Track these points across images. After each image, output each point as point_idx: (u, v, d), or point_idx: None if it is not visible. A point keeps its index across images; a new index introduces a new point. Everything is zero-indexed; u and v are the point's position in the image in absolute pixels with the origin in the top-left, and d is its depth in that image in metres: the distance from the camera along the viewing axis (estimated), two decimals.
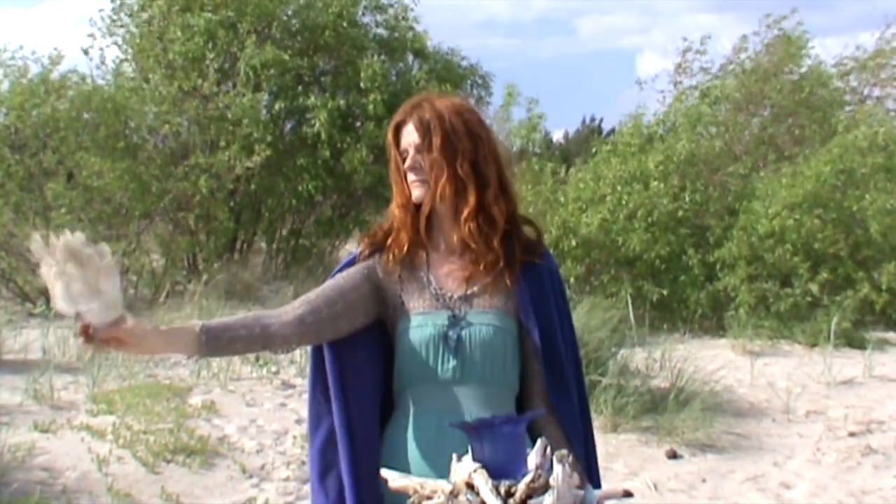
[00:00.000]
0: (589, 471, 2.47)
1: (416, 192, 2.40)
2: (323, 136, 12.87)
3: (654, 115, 13.55)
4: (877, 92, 15.06)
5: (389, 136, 2.44)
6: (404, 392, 2.41)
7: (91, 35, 13.37)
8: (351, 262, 2.50)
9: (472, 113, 2.44)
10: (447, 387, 2.36)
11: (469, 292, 2.41)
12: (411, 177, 2.40)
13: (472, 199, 2.38)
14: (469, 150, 2.38)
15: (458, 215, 2.40)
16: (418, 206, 2.41)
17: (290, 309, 2.39)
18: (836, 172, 11.45)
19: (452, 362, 2.36)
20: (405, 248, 2.42)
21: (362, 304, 2.43)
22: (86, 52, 13.14)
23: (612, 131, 13.96)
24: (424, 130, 2.37)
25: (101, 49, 13.30)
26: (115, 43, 13.79)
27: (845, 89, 14.64)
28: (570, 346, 2.48)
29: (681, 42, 14.17)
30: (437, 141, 2.36)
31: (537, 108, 13.35)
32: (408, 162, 2.40)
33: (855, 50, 14.85)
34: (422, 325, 2.38)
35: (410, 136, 2.40)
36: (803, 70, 14.01)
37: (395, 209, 2.45)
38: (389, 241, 2.45)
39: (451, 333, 2.36)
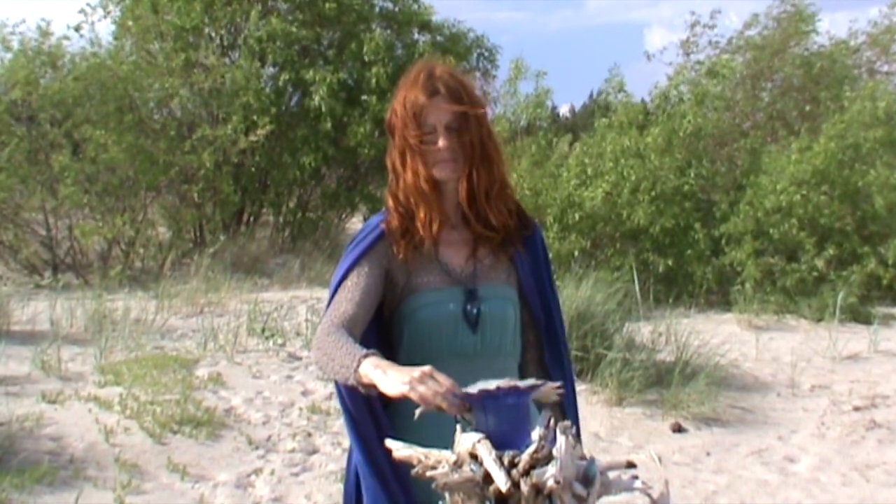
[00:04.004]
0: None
1: (443, 172, 2.35)
2: (324, 109, 12.84)
3: (655, 88, 13.46)
4: (886, 67, 14.97)
5: (407, 109, 2.33)
6: None
7: (82, 11, 13.20)
8: (372, 242, 2.40)
9: (475, 84, 2.44)
10: (465, 361, 2.35)
11: (476, 267, 2.41)
12: (440, 156, 2.33)
13: (495, 176, 2.40)
14: (486, 125, 2.39)
15: (476, 191, 2.38)
16: (433, 182, 2.36)
17: (347, 324, 2.26)
18: (843, 148, 11.42)
19: (473, 337, 2.37)
20: (433, 229, 2.37)
21: (379, 294, 2.38)
22: (77, 29, 12.94)
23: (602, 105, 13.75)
24: (459, 112, 2.32)
25: (93, 22, 13.12)
26: (108, 14, 13.61)
27: (856, 65, 14.52)
28: (558, 313, 2.55)
29: (689, 16, 13.97)
30: (471, 121, 2.33)
31: (544, 81, 13.24)
32: (441, 142, 2.32)
33: (867, 25, 14.74)
34: (438, 301, 2.37)
35: (442, 114, 2.32)
36: (812, 45, 13.92)
37: (414, 185, 2.36)
38: (417, 220, 2.38)
39: (469, 309, 2.36)
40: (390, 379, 1.95)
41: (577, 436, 2.47)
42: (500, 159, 2.42)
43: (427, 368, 1.94)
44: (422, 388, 1.89)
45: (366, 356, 2.04)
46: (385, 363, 2.01)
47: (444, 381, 1.91)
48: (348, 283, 2.33)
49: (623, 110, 12.41)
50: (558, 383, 2.02)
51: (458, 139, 2.33)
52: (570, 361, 2.61)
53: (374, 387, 2.00)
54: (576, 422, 2.49)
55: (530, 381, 1.91)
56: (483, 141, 2.36)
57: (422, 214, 2.37)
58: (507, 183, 2.46)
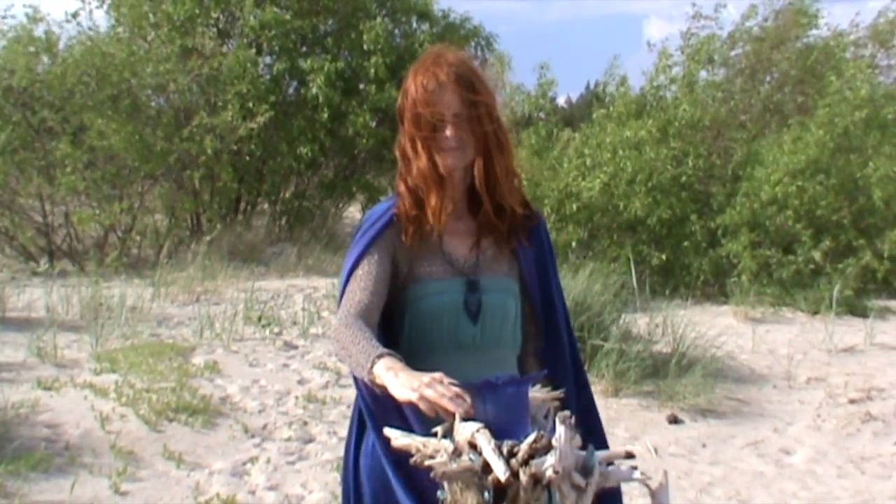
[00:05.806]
0: (591, 432, 2.41)
1: (450, 161, 2.33)
2: (321, 98, 12.81)
3: (642, 74, 13.43)
4: (886, 61, 14.92)
5: (417, 94, 2.31)
6: (418, 358, 2.27)
7: None
8: (380, 229, 2.39)
9: (484, 72, 2.42)
10: (465, 352, 2.35)
11: (479, 258, 2.40)
12: (448, 144, 2.32)
13: (502, 166, 2.38)
14: (495, 116, 2.37)
15: (481, 181, 2.36)
16: (440, 170, 2.35)
17: (364, 313, 2.25)
18: (833, 136, 11.40)
19: (473, 329, 2.36)
20: (443, 217, 2.35)
21: (389, 281, 2.36)
22: (74, 16, 12.83)
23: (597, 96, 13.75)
24: (468, 100, 2.30)
25: (91, 10, 13.04)
26: (102, 3, 13.49)
27: (856, 58, 14.47)
28: (562, 304, 2.54)
29: (689, 8, 13.83)
30: (480, 110, 2.31)
31: (548, 73, 13.18)
32: (449, 130, 2.30)
33: (870, 19, 14.71)
34: (440, 291, 2.36)
35: (450, 103, 2.30)
36: (810, 39, 13.88)
37: (424, 172, 2.34)
38: (427, 207, 2.36)
39: (470, 300, 2.36)
40: (400, 383, 1.94)
41: (598, 423, 2.52)
42: (507, 150, 2.40)
43: (437, 375, 1.93)
44: (428, 392, 1.88)
45: (380, 356, 2.03)
46: (398, 366, 2.00)
47: (453, 387, 1.90)
48: (360, 271, 2.32)
49: (621, 101, 12.40)
50: (559, 392, 2.02)
51: (466, 128, 2.31)
52: (576, 352, 2.58)
53: (386, 388, 1.99)
54: (593, 409, 2.53)
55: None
56: (491, 131, 2.34)
57: (432, 202, 2.35)
58: (514, 174, 2.44)
